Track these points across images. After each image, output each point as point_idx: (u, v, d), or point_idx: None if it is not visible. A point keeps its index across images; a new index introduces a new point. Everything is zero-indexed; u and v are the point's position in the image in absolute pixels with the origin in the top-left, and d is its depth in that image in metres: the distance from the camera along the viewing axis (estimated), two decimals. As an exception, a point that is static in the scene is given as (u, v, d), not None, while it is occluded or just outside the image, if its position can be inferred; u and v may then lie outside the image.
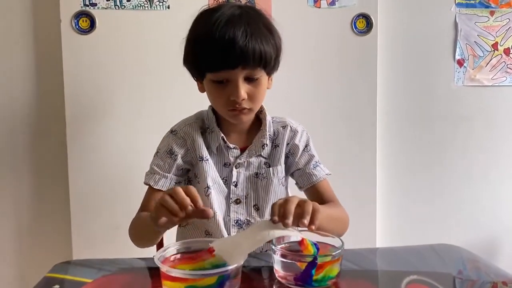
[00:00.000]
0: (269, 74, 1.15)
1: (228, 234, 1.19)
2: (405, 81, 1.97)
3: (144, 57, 1.74)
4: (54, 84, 1.74)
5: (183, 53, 1.16)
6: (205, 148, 1.19)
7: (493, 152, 2.04)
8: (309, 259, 0.89)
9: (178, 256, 0.95)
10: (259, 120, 1.24)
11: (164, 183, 1.20)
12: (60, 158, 1.77)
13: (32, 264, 1.83)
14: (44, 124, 1.79)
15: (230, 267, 0.85)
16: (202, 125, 1.23)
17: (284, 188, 1.27)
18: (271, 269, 0.95)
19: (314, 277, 0.89)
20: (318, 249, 0.93)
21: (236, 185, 1.20)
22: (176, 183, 1.22)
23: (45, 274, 0.98)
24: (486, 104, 2.02)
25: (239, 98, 1.08)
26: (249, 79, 1.10)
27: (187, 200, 0.89)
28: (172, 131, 1.23)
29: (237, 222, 1.19)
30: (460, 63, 1.98)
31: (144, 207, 1.23)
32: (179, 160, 1.20)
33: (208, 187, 1.18)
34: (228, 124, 1.20)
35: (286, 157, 1.25)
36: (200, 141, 1.19)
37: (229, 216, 1.20)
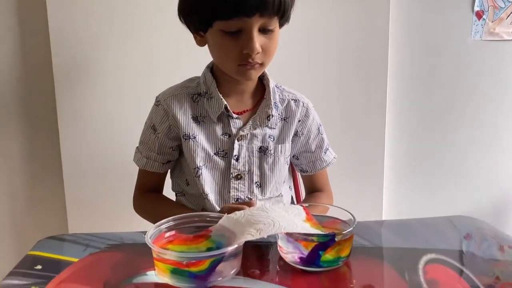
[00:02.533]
0: (281, 26, 1.02)
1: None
2: (419, 36, 1.82)
3: (135, 18, 1.60)
4: (40, 44, 1.60)
5: (178, 2, 1.02)
6: (192, 123, 1.07)
7: (511, 112, 1.92)
8: (317, 240, 0.80)
9: (174, 233, 0.87)
10: (261, 85, 1.12)
11: (148, 165, 1.11)
12: (51, 128, 1.67)
13: (27, 228, 1.76)
14: (32, 88, 1.66)
15: (224, 250, 0.76)
16: (196, 91, 1.10)
17: (287, 167, 1.17)
18: (275, 245, 0.86)
19: (323, 258, 0.81)
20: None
21: (237, 159, 1.09)
22: (163, 163, 1.12)
23: (28, 252, 0.89)
24: (505, 59, 1.88)
25: (253, 51, 0.95)
26: (264, 30, 0.97)
27: None
28: (156, 101, 1.11)
29: (237, 200, 1.09)
30: (479, 15, 1.83)
31: (142, 185, 1.16)
32: (163, 138, 1.09)
33: (197, 168, 1.08)
34: (228, 88, 1.08)
35: (295, 135, 1.15)
36: (186, 116, 1.07)
37: (229, 193, 1.10)
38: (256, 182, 1.10)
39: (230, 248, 0.76)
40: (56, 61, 1.58)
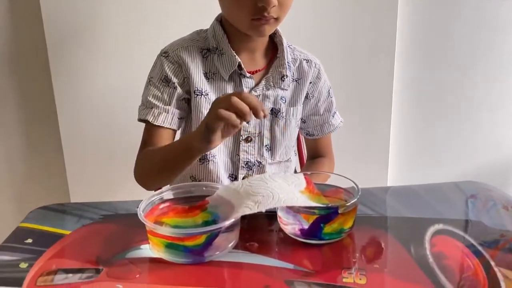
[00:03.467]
0: None
1: (234, 176, 1.05)
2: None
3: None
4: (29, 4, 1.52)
5: None
6: (203, 78, 1.00)
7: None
8: (319, 213, 0.76)
9: (168, 204, 0.83)
10: (272, 43, 1.05)
11: (165, 119, 1.00)
12: (46, 92, 1.60)
13: (26, 193, 1.73)
14: (24, 50, 1.59)
15: (220, 225, 0.72)
16: (204, 45, 1.01)
17: (297, 130, 1.12)
18: (275, 216, 0.83)
19: (325, 230, 0.77)
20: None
21: (248, 121, 1.03)
22: (179, 118, 1.03)
23: (19, 224, 0.86)
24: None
25: (270, 4, 0.88)
26: None
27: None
28: (163, 53, 1.02)
29: (247, 164, 1.05)
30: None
31: (147, 145, 1.06)
32: (179, 89, 1.00)
33: None
34: (239, 46, 1.00)
35: (305, 97, 1.09)
36: (198, 70, 0.99)
37: (238, 155, 1.04)
38: (266, 145, 1.05)
39: (227, 222, 0.73)
40: (48, 24, 1.50)
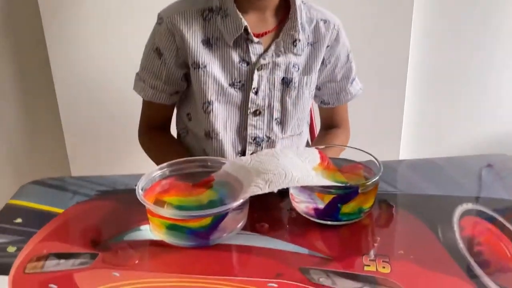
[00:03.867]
0: None
1: (242, 153, 0.97)
2: None
3: None
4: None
5: None
6: (202, 49, 0.90)
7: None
8: (336, 192, 0.69)
9: (171, 181, 0.75)
10: (284, 1, 0.93)
11: (155, 96, 0.95)
12: (42, 61, 1.51)
13: (26, 168, 1.67)
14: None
15: (228, 206, 0.65)
16: (206, 6, 0.91)
17: (311, 101, 1.02)
18: (287, 193, 0.75)
19: (342, 211, 0.70)
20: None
21: (256, 92, 0.93)
22: (171, 94, 0.96)
23: (8, 201, 0.79)
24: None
25: None
26: None
27: None
28: (158, 19, 0.93)
29: (255, 139, 0.96)
30: None
31: (147, 120, 1.02)
32: (171, 65, 0.92)
33: (208, 103, 0.92)
34: (246, 4, 0.89)
35: (321, 63, 0.98)
36: (195, 39, 0.89)
37: (245, 130, 0.95)
38: (276, 119, 0.96)
39: (235, 204, 0.65)
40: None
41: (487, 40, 1.69)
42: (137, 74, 0.98)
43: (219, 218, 0.66)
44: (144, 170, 0.75)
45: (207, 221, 0.66)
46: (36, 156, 1.65)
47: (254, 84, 0.91)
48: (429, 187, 0.82)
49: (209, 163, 0.79)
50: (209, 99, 0.92)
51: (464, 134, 1.81)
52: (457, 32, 1.67)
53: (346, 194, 0.69)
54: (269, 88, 0.93)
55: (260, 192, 0.66)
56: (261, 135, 0.95)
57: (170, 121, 1.03)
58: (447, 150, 1.79)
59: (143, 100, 0.99)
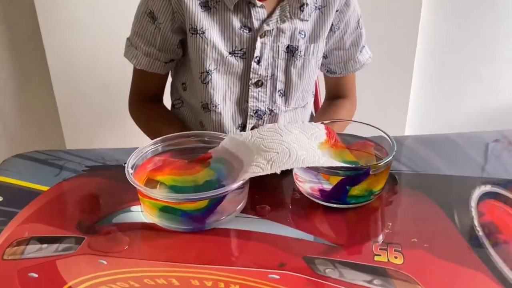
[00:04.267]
0: None
1: (242, 127, 0.91)
2: None
3: None
4: None
5: None
6: (200, 12, 0.81)
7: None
8: (344, 174, 0.63)
9: (164, 157, 0.69)
10: None
11: (148, 64, 0.88)
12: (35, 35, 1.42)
13: (20, 142, 1.60)
14: None
15: (226, 189, 0.59)
16: None
17: (317, 71, 0.95)
18: (290, 171, 0.69)
19: (351, 193, 0.64)
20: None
21: (259, 62, 0.85)
22: (166, 62, 0.89)
23: (-11, 177, 0.74)
24: None
25: None
26: None
27: None
28: None
29: (256, 112, 0.89)
30: None
31: (138, 90, 0.95)
32: (166, 30, 0.84)
33: (206, 72, 0.85)
34: None
35: (330, 29, 0.90)
36: (193, 2, 0.81)
37: (246, 103, 0.88)
38: (279, 90, 0.89)
39: (234, 185, 0.59)
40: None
41: (499, 8, 1.60)
42: (128, 39, 0.90)
43: (216, 201, 0.60)
44: (140, 144, 0.69)
45: (203, 203, 0.60)
46: (30, 130, 1.58)
47: (257, 53, 0.84)
48: (443, 166, 0.76)
49: (206, 138, 0.73)
50: (207, 69, 0.84)
51: (471, 109, 1.74)
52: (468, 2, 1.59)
53: (355, 175, 0.63)
54: (273, 57, 0.86)
55: (261, 173, 0.60)
56: (263, 108, 0.88)
57: (163, 91, 0.97)
58: (454, 125, 1.73)
59: (134, 68, 0.92)
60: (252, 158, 0.64)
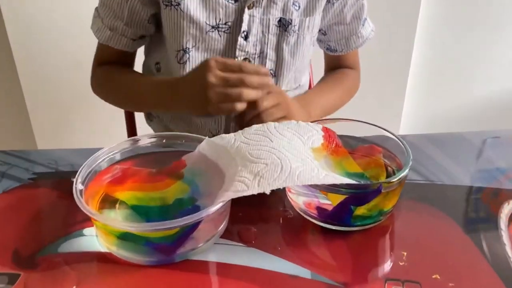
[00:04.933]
0: None
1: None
2: None
3: None
4: None
5: None
6: None
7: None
8: (348, 192, 0.50)
9: (127, 167, 0.56)
10: None
11: (112, 39, 0.75)
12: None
13: None
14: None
15: (201, 214, 0.46)
16: None
17: (312, 49, 0.82)
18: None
19: (356, 213, 0.52)
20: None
21: (246, 37, 0.73)
22: (134, 39, 0.76)
23: None
24: None
25: None
26: None
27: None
28: None
29: None
30: None
31: (99, 61, 0.82)
32: (135, 2, 0.72)
33: (183, 50, 0.73)
34: None
35: (327, 1, 0.77)
36: None
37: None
38: (270, 70, 0.76)
39: (212, 209, 0.47)
40: None
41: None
42: (96, 9, 0.77)
43: (189, 228, 0.47)
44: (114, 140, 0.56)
45: (173, 231, 0.47)
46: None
47: (244, 27, 0.71)
48: (460, 172, 0.64)
49: (179, 142, 0.59)
50: (184, 46, 0.72)
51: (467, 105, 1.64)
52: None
53: (363, 194, 0.50)
54: (262, 32, 0.73)
55: (246, 193, 0.47)
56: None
57: (132, 67, 0.83)
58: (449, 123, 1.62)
59: (98, 42, 0.79)
60: (236, 170, 0.51)
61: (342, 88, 0.85)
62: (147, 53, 0.84)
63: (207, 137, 0.57)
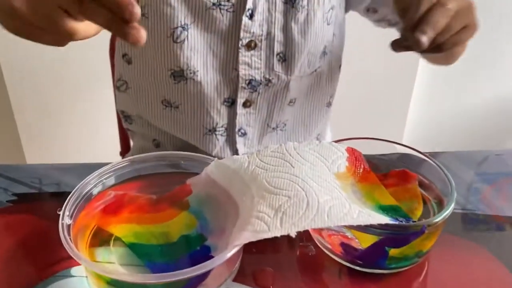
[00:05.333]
0: None
1: (231, 101, 0.70)
2: None
3: None
4: None
5: None
6: None
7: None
8: (382, 233, 0.43)
9: (121, 193, 0.48)
10: None
11: None
12: None
13: None
14: None
15: (212, 263, 0.38)
16: None
17: (329, 28, 0.72)
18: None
19: (391, 255, 0.45)
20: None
21: (251, 17, 0.65)
22: None
23: None
24: None
25: None
26: None
27: None
28: None
29: (249, 83, 0.68)
30: None
31: None
32: None
33: (182, 27, 0.64)
34: None
35: None
36: None
37: (236, 70, 0.68)
38: (278, 54, 0.68)
39: (226, 255, 0.39)
40: None
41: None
42: None
43: (198, 278, 0.40)
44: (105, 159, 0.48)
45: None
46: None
47: (249, 4, 0.63)
48: (501, 199, 0.57)
49: (182, 162, 0.51)
50: (182, 22, 0.63)
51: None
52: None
53: (403, 236, 0.43)
54: (269, 10, 0.65)
55: (267, 235, 0.40)
56: (258, 77, 0.68)
57: None
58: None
59: None
60: (252, 202, 0.43)
61: None
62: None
63: (216, 159, 0.49)
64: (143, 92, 0.73)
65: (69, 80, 1.25)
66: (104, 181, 0.48)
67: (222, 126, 0.71)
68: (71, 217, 0.43)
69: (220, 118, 0.70)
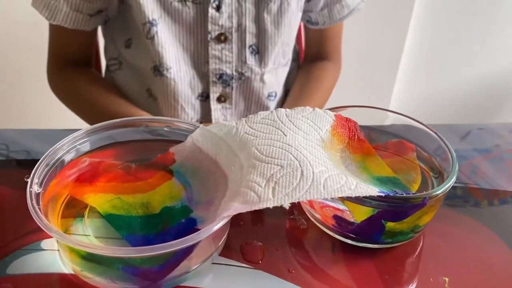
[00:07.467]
0: None
1: (205, 96, 0.67)
2: None
3: None
4: None
5: None
6: None
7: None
8: (380, 206, 0.40)
9: (98, 160, 0.44)
10: None
11: (65, 17, 0.62)
12: None
13: None
14: None
15: (198, 237, 0.35)
16: None
17: (300, 17, 0.71)
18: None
19: (388, 229, 0.42)
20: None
21: (218, 8, 0.62)
22: (91, 14, 0.63)
23: None
24: None
25: None
26: None
27: None
28: None
29: (220, 77, 0.65)
30: None
31: (57, 53, 0.69)
32: None
33: (150, 23, 0.61)
34: None
35: None
36: None
37: (206, 64, 0.66)
38: (251, 46, 0.65)
39: (214, 227, 0.36)
40: None
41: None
42: None
43: (183, 251, 0.36)
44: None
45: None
46: None
47: None
48: (500, 176, 0.55)
49: (165, 128, 0.47)
50: (150, 18, 0.61)
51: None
52: None
53: (402, 208, 0.40)
54: (238, 1, 0.62)
55: (258, 206, 0.36)
56: (229, 71, 0.65)
57: (92, 53, 0.71)
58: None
59: (50, 25, 0.66)
60: (241, 171, 0.40)
61: (322, 90, 0.75)
62: (113, 29, 0.71)
63: (201, 125, 0.46)
64: (132, 78, 0.71)
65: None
66: (78, 147, 0.43)
67: (197, 121, 0.69)
68: (40, 185, 0.38)
69: (195, 113, 0.69)
